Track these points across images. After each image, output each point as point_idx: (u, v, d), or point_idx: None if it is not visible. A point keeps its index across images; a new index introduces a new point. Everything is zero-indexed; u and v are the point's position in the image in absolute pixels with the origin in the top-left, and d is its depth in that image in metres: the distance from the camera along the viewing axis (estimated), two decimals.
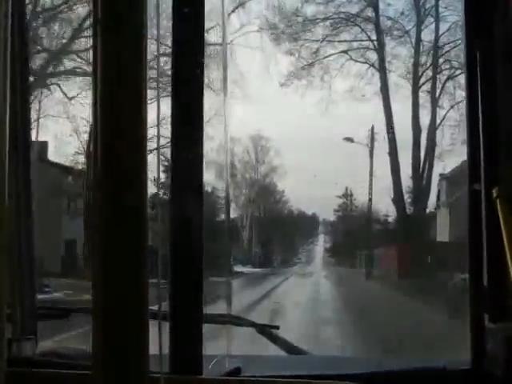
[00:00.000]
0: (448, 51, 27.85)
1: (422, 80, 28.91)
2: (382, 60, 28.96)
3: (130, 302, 0.89)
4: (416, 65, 28.67)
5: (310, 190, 46.45)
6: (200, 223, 1.83)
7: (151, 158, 0.97)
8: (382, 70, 28.82)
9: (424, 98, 29.01)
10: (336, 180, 40.16)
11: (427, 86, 28.86)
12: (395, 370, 2.01)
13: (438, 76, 28.68)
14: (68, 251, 22.96)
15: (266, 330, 2.31)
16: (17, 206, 2.12)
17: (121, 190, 0.90)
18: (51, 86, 22.27)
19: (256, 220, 40.18)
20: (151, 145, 1.03)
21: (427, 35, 29.37)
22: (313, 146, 41.89)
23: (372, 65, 29.44)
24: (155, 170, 1.13)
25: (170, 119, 1.87)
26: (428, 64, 29.17)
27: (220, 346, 1.92)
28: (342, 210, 44.66)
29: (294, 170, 41.11)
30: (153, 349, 1.19)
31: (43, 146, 23.90)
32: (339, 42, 29.53)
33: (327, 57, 29.42)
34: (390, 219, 34.40)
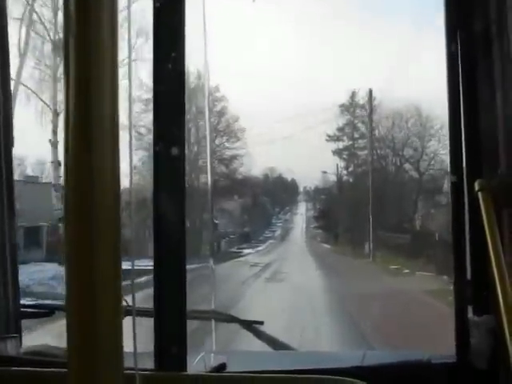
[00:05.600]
0: None
1: None
2: None
3: (103, 298, 0.90)
4: None
5: None
6: (183, 221, 1.84)
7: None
8: None
9: None
10: None
11: None
12: (380, 364, 2.03)
13: None
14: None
15: (251, 326, 2.32)
16: (0, 204, 2.13)
17: (93, 184, 0.90)
18: None
19: None
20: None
21: None
22: None
23: None
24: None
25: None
26: None
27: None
28: None
29: None
30: (140, 347, 1.20)
31: None
32: None
33: None
34: None
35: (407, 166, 29.12)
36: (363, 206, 26.61)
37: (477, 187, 1.90)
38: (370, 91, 27.70)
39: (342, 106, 30.08)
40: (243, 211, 34.46)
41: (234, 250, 29.73)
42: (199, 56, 2.02)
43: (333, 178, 32.70)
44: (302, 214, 40.12)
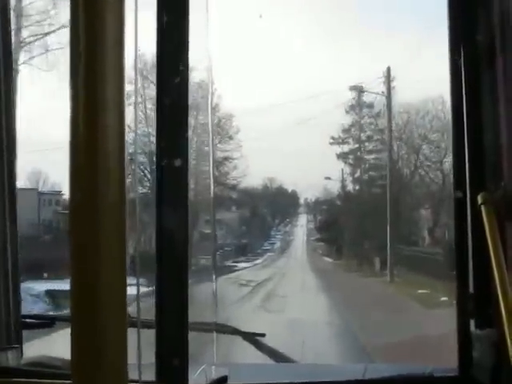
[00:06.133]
0: None
1: None
2: None
3: (108, 310, 0.89)
4: None
5: None
6: (185, 232, 1.84)
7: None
8: None
9: None
10: None
11: None
12: (382, 378, 2.02)
13: None
14: None
15: (253, 338, 2.31)
16: (1, 214, 2.13)
17: (99, 192, 0.89)
18: None
19: None
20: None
21: None
22: None
23: None
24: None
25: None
26: None
27: None
28: None
29: None
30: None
31: None
32: None
33: None
34: None
35: (427, 166, 25.83)
36: (371, 215, 23.57)
37: (480, 200, 1.90)
38: (388, 70, 24.10)
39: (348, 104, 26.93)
40: (241, 221, 33.10)
41: (228, 263, 27.43)
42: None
43: (337, 184, 29.58)
44: (302, 226, 39.17)
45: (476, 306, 1.98)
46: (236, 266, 27.73)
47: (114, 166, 0.89)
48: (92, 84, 0.88)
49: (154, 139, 1.92)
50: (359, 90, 26.43)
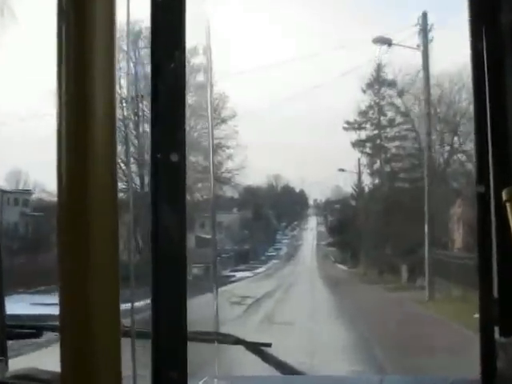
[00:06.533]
0: None
1: None
2: None
3: (100, 318, 0.84)
4: None
5: None
6: (183, 234, 1.71)
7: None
8: None
9: None
10: None
11: None
12: None
13: None
14: None
15: (257, 348, 2.16)
16: None
17: (89, 194, 0.84)
18: None
19: None
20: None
21: None
22: None
23: None
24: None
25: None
26: None
27: None
28: None
29: None
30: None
31: None
32: None
33: None
34: None
35: (463, 152, 21.81)
36: (393, 214, 19.81)
37: (505, 197, 1.80)
38: (425, 15, 19.53)
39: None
40: (242, 223, 30.78)
41: (225, 273, 24.81)
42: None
43: (353, 177, 25.43)
44: (312, 229, 37.12)
45: (501, 311, 1.87)
46: (233, 277, 25.19)
47: (105, 168, 0.86)
48: (81, 78, 0.85)
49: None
50: (387, 42, 20.87)
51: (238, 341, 2.19)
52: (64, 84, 0.85)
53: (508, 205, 1.79)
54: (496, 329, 1.87)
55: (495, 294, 1.87)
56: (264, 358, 2.17)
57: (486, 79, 1.87)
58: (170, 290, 1.75)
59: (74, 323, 0.84)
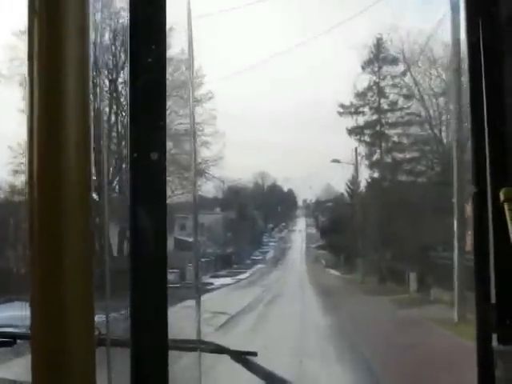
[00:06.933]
0: None
1: None
2: None
3: (74, 325, 0.81)
4: None
5: None
6: (164, 236, 1.65)
7: None
8: None
9: None
10: None
11: None
12: None
13: None
14: None
15: (242, 358, 2.09)
16: None
17: (62, 197, 0.82)
18: None
19: None
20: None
21: None
22: None
23: None
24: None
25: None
26: None
27: None
28: None
29: None
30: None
31: None
32: None
33: None
34: None
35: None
36: (396, 210, 17.01)
37: (502, 197, 1.80)
38: None
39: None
40: (225, 224, 28.97)
41: (205, 279, 22.49)
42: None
43: (349, 169, 22.53)
44: (300, 231, 36.00)
45: (498, 318, 1.83)
46: (211, 284, 22.63)
47: (78, 167, 0.84)
48: (54, 76, 0.83)
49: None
50: None
51: (221, 349, 2.13)
52: (36, 81, 0.83)
53: (506, 205, 1.74)
54: (494, 336, 1.84)
55: (493, 300, 1.83)
56: (249, 367, 2.10)
57: (483, 76, 1.84)
58: (150, 296, 1.68)
59: (46, 330, 0.81)
